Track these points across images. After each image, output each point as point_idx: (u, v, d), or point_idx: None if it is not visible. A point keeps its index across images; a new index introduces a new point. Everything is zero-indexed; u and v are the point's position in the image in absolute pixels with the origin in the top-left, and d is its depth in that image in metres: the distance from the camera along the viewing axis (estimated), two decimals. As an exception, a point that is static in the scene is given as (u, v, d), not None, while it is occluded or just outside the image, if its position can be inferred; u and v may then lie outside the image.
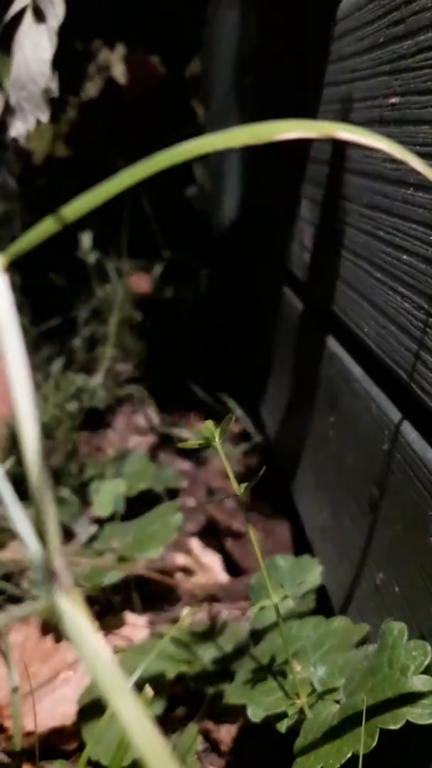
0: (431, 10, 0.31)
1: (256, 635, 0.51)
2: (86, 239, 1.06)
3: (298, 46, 0.63)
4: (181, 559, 0.81)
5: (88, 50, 1.15)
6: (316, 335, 0.58)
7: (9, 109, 0.96)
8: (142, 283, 1.34)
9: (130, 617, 0.66)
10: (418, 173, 0.35)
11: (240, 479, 0.41)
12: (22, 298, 1.29)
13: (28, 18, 0.83)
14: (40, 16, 0.83)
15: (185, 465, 1.02)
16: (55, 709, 0.55)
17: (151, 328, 1.23)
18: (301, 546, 0.72)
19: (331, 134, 0.20)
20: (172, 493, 0.88)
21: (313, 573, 0.52)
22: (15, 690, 0.54)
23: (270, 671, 0.46)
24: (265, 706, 0.43)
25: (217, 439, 0.42)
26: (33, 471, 0.15)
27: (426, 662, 0.36)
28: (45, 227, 0.16)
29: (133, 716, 0.17)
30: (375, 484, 0.43)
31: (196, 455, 1.03)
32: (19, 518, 0.15)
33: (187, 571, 0.79)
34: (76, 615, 0.15)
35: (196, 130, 0.97)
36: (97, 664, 0.16)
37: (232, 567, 0.76)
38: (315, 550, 0.59)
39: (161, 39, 1.07)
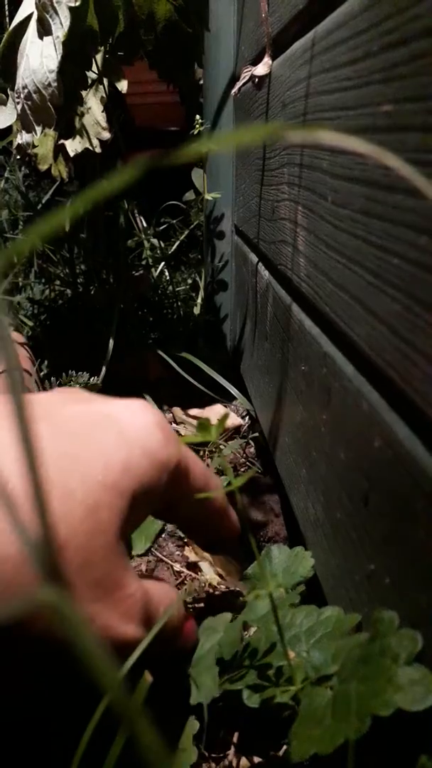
0: (425, 18, 0.30)
1: (251, 623, 0.51)
2: (89, 242, 1.05)
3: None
4: (186, 552, 0.80)
5: (91, 60, 1.14)
6: (309, 335, 0.57)
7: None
8: (142, 284, 1.33)
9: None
10: (408, 179, 0.34)
11: (244, 469, 0.40)
12: (25, 299, 1.28)
13: (33, 28, 0.82)
14: (45, 26, 0.82)
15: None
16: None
17: (151, 327, 1.23)
18: (294, 539, 0.71)
19: (323, 141, 0.19)
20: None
21: (305, 564, 0.52)
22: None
23: (264, 658, 0.45)
24: (260, 692, 0.43)
25: (215, 435, 0.42)
26: (30, 467, 0.14)
27: (416, 651, 0.36)
28: (41, 232, 0.15)
29: (126, 705, 0.16)
30: (366, 479, 0.42)
31: (197, 449, 1.02)
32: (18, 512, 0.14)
33: (192, 566, 0.79)
34: (71, 609, 0.15)
35: (196, 134, 0.96)
36: (92, 654, 0.15)
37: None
38: (307, 542, 0.58)
39: (162, 50, 1.07)
